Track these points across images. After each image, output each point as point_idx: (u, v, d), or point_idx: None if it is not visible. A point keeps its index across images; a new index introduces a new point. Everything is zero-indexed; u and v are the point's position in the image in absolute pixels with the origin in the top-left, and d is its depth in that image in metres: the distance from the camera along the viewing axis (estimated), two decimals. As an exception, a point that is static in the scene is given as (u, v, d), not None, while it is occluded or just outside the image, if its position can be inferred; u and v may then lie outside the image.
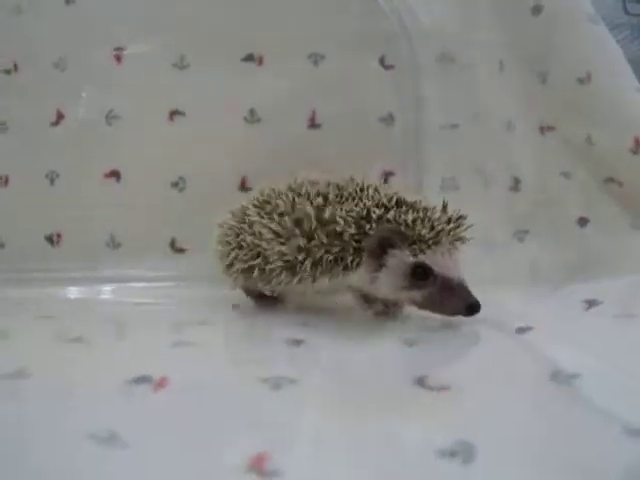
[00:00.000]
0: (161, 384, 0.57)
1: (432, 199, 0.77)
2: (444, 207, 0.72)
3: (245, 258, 0.80)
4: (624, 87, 0.95)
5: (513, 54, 1.00)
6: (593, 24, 0.96)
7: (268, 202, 0.80)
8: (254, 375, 0.59)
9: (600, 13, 1.00)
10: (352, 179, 0.78)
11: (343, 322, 0.78)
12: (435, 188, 0.97)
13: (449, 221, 0.71)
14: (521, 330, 0.70)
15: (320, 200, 0.74)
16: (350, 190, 0.75)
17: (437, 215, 0.71)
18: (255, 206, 0.81)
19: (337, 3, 1.00)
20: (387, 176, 0.97)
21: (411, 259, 0.69)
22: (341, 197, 0.75)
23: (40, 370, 0.62)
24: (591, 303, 0.77)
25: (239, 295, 0.91)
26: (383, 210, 0.71)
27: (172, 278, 1.00)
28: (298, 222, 0.74)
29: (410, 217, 0.70)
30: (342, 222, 0.70)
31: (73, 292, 0.99)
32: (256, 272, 0.79)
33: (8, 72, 1.04)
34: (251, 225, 0.79)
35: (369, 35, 0.99)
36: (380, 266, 0.71)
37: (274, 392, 0.56)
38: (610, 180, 0.97)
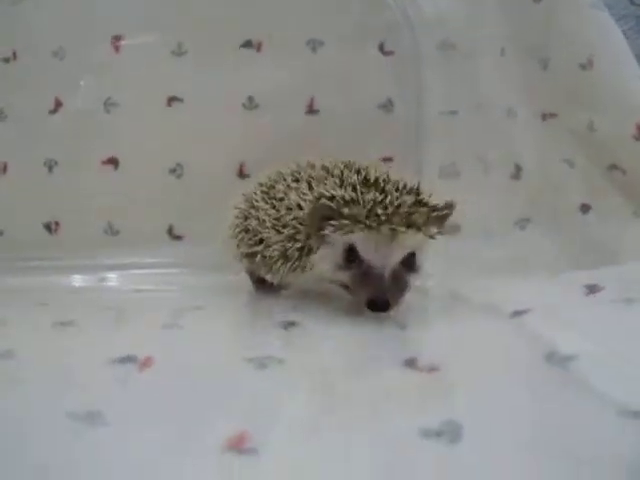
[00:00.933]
0: (146, 364, 0.56)
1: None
2: (406, 188, 0.69)
3: (250, 243, 0.78)
4: (627, 74, 0.92)
5: (514, 41, 0.98)
6: (596, 10, 0.93)
7: (273, 187, 0.79)
8: (241, 355, 0.57)
9: (605, 3, 0.97)
10: (350, 161, 0.76)
11: (338, 306, 0.76)
12: (434, 175, 0.95)
13: (398, 206, 0.66)
14: (517, 313, 0.67)
15: (304, 185, 0.73)
16: (335, 172, 0.73)
17: (388, 197, 0.66)
18: (262, 191, 0.80)
19: (336, -11, 0.98)
20: (385, 163, 0.94)
21: (343, 238, 0.66)
22: (321, 180, 0.73)
23: (26, 351, 0.61)
24: (592, 289, 0.74)
25: (238, 281, 0.89)
26: (344, 190, 0.68)
27: (170, 265, 0.99)
28: (289, 209, 0.73)
29: (357, 196, 0.67)
30: (304, 205, 0.70)
31: (71, 280, 0.98)
32: (258, 258, 0.77)
33: (7, 60, 1.03)
34: (257, 210, 0.78)
35: (369, 22, 0.98)
36: (321, 241, 0.69)
37: (259, 371, 0.54)
38: (613, 167, 0.94)
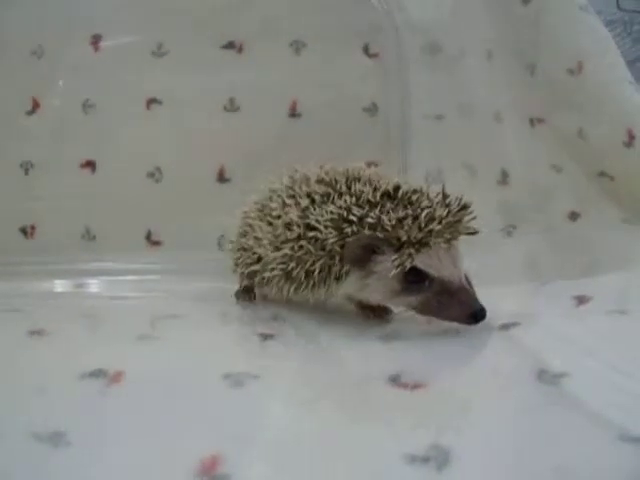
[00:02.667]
0: (116, 379, 0.52)
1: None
2: (444, 197, 0.62)
3: (248, 262, 0.73)
4: (616, 78, 0.89)
5: (502, 44, 0.94)
6: (584, 13, 0.90)
7: (267, 205, 0.72)
8: (216, 371, 0.53)
9: (593, 9, 0.94)
10: (347, 170, 0.69)
11: (319, 316, 0.72)
12: (419, 180, 0.90)
13: (446, 215, 0.60)
14: (505, 326, 0.63)
15: (306, 201, 0.65)
16: (340, 185, 0.65)
17: (431, 209, 0.60)
18: (257, 209, 0.73)
19: (320, -9, 0.94)
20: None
21: (405, 265, 0.59)
22: (328, 196, 0.64)
23: None
24: (581, 299, 0.70)
25: (215, 289, 0.85)
26: (367, 208, 0.61)
27: (148, 271, 0.94)
28: (288, 227, 0.65)
29: (395, 216, 0.59)
30: (322, 228, 0.61)
31: (46, 285, 0.93)
32: (258, 277, 0.72)
33: (-16, 60, 0.98)
34: (252, 228, 0.72)
35: (353, 24, 0.94)
36: (368, 273, 0.61)
37: (234, 389, 0.51)
38: (602, 174, 0.91)
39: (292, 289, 0.66)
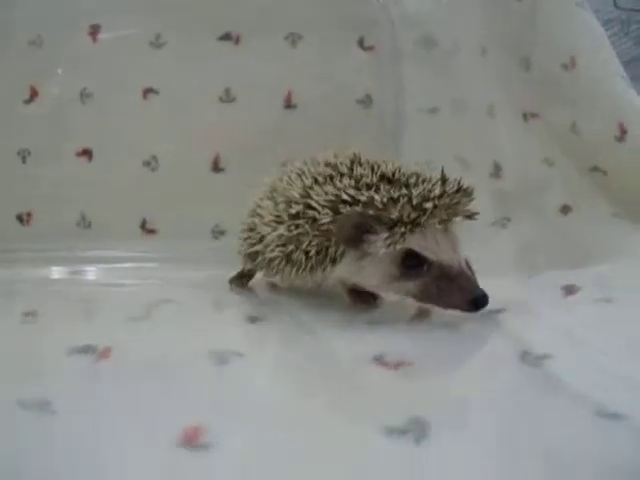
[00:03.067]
0: (104, 354, 0.54)
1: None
2: (442, 179, 0.60)
3: (251, 242, 0.72)
4: (609, 74, 0.90)
5: (496, 39, 0.95)
6: (578, 8, 0.90)
7: (276, 185, 0.71)
8: (202, 349, 0.54)
9: (591, 7, 0.94)
10: (354, 154, 0.68)
11: (312, 304, 0.72)
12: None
13: (441, 195, 0.58)
14: (492, 312, 0.64)
15: (309, 181, 0.64)
16: (343, 167, 0.65)
17: (426, 189, 0.59)
18: (268, 190, 0.73)
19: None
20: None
21: (397, 245, 0.57)
22: (330, 177, 0.63)
23: None
24: (569, 289, 0.71)
25: (210, 277, 0.85)
26: (363, 189, 0.60)
27: (142, 259, 0.94)
28: (289, 204, 0.64)
29: (388, 195, 0.58)
30: (319, 208, 0.60)
31: (42, 271, 0.93)
32: (259, 259, 0.70)
33: (-17, 49, 0.98)
34: (260, 207, 0.71)
35: (349, 17, 0.95)
36: (363, 254, 0.60)
37: (219, 366, 0.52)
38: (595, 169, 0.91)
39: (292, 272, 0.65)
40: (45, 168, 0.98)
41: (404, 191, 0.58)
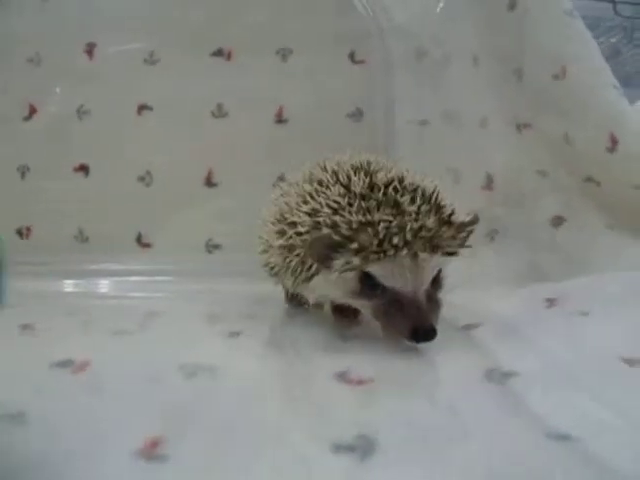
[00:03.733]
0: (81, 368, 0.57)
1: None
2: (435, 204, 0.60)
3: (262, 247, 0.72)
4: (600, 83, 0.89)
5: (487, 50, 0.95)
6: (569, 17, 0.90)
7: (288, 191, 0.71)
8: (174, 363, 0.57)
9: (591, 15, 0.94)
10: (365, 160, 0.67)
11: (298, 320, 0.75)
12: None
13: (419, 229, 0.57)
14: (467, 327, 0.65)
15: (308, 187, 0.64)
16: (342, 175, 0.64)
17: (414, 220, 0.58)
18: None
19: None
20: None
21: (351, 268, 0.58)
22: (324, 184, 0.64)
23: None
24: (552, 302, 0.71)
25: (203, 290, 0.87)
26: (336, 207, 0.59)
27: (138, 272, 0.97)
28: (285, 216, 0.65)
29: (362, 219, 0.57)
30: (298, 219, 0.62)
31: (40, 284, 0.94)
32: (268, 267, 0.71)
33: (-17, 67, 1.02)
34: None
35: (340, 30, 0.96)
36: (331, 270, 0.59)
37: (187, 380, 0.54)
38: (588, 179, 0.91)
39: (293, 279, 0.66)
40: (44, 183, 1.01)
41: (385, 215, 0.57)
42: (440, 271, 0.61)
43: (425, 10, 0.96)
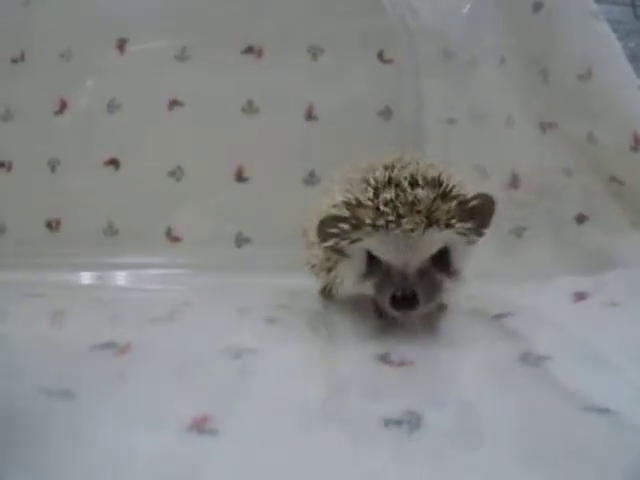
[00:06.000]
0: (124, 350, 0.60)
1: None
2: (437, 182, 0.62)
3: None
4: (624, 83, 0.93)
5: (514, 51, 0.99)
6: (594, 19, 0.94)
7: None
8: (217, 346, 0.61)
9: (613, 19, 0.98)
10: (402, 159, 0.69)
11: (325, 304, 0.79)
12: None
13: (413, 203, 0.60)
14: (498, 316, 0.69)
15: (337, 187, 0.68)
16: (377, 171, 0.66)
17: (409, 195, 0.60)
18: None
19: (339, -1, 1.01)
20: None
21: (356, 243, 0.62)
22: (352, 183, 0.66)
23: (19, 337, 0.66)
24: (580, 295, 0.75)
25: (232, 284, 0.91)
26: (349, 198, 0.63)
27: (167, 265, 1.01)
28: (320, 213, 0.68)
29: (360, 198, 0.62)
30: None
31: (69, 276, 1.00)
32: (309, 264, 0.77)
33: (15, 61, 1.08)
34: None
35: (369, 30, 1.01)
36: (343, 255, 0.65)
37: (232, 360, 0.58)
38: (612, 178, 0.94)
39: (325, 274, 0.72)
40: (74, 177, 1.06)
41: (387, 194, 0.61)
42: (446, 251, 0.63)
43: (452, 11, 1.01)
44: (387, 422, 0.45)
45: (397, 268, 0.60)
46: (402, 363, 0.56)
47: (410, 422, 0.45)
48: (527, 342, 0.61)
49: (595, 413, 0.45)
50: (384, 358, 0.57)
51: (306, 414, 0.48)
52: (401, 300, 0.58)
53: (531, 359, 0.57)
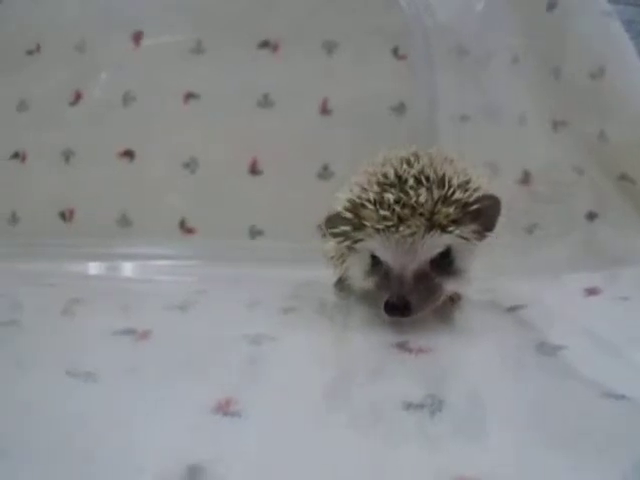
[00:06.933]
0: (144, 336, 0.64)
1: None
2: (443, 184, 0.62)
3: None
4: (636, 82, 0.95)
5: (527, 49, 1.02)
6: (607, 18, 0.96)
7: None
8: (236, 333, 0.64)
9: (626, 18, 1.00)
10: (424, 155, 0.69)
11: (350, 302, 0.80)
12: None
13: (414, 206, 0.61)
14: (513, 308, 0.71)
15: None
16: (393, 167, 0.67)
17: (411, 198, 0.61)
18: None
19: (353, -6, 1.04)
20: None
21: (358, 239, 0.64)
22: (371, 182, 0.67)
23: (33, 320, 0.70)
24: (591, 291, 0.77)
25: (246, 275, 0.93)
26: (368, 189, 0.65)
27: (180, 257, 1.03)
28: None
29: (364, 197, 0.64)
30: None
31: (83, 266, 1.02)
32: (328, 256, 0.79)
33: (31, 52, 1.10)
34: None
35: (383, 26, 1.03)
36: (349, 251, 0.68)
37: (252, 347, 0.61)
38: (623, 177, 0.96)
39: (340, 266, 0.75)
40: (88, 168, 1.08)
41: (389, 195, 0.62)
42: (448, 254, 0.63)
43: (467, 9, 1.03)
44: (408, 406, 0.47)
45: (395, 271, 0.62)
46: (421, 350, 0.58)
47: (432, 405, 0.47)
48: (542, 332, 0.63)
49: (613, 399, 0.48)
50: (403, 346, 0.59)
51: (327, 397, 0.50)
52: (394, 307, 0.61)
53: (547, 349, 0.59)
